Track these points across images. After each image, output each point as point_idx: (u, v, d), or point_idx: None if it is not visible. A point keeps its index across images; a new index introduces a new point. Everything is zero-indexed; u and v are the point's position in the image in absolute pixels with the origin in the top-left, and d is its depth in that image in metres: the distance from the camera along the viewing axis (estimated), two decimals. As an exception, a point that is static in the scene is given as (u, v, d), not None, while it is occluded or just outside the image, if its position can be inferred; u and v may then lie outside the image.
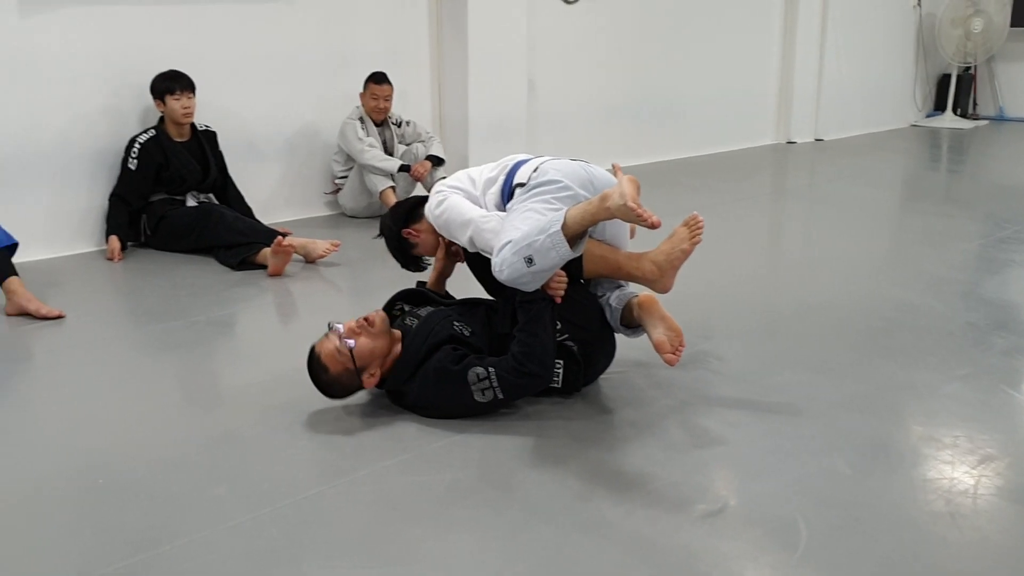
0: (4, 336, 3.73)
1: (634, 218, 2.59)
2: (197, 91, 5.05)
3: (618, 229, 3.02)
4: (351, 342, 2.77)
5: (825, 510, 2.31)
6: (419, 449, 2.64)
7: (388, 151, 5.83)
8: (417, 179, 5.75)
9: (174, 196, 5.08)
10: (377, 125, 5.81)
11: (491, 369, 2.73)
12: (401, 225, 3.23)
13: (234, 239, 4.74)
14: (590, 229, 2.77)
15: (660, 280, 2.98)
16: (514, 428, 2.76)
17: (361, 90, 5.78)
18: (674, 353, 2.89)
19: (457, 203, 3.02)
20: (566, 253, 2.64)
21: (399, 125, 5.94)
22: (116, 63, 5.02)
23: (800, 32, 9.13)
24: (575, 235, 2.65)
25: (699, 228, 2.95)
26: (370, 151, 5.64)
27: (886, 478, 2.49)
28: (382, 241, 3.33)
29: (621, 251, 3.03)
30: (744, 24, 8.79)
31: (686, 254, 2.96)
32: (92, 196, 5.03)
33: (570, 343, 2.90)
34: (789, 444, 2.67)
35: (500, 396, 2.75)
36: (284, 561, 2.11)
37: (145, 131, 5.01)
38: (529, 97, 6.84)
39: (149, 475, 2.51)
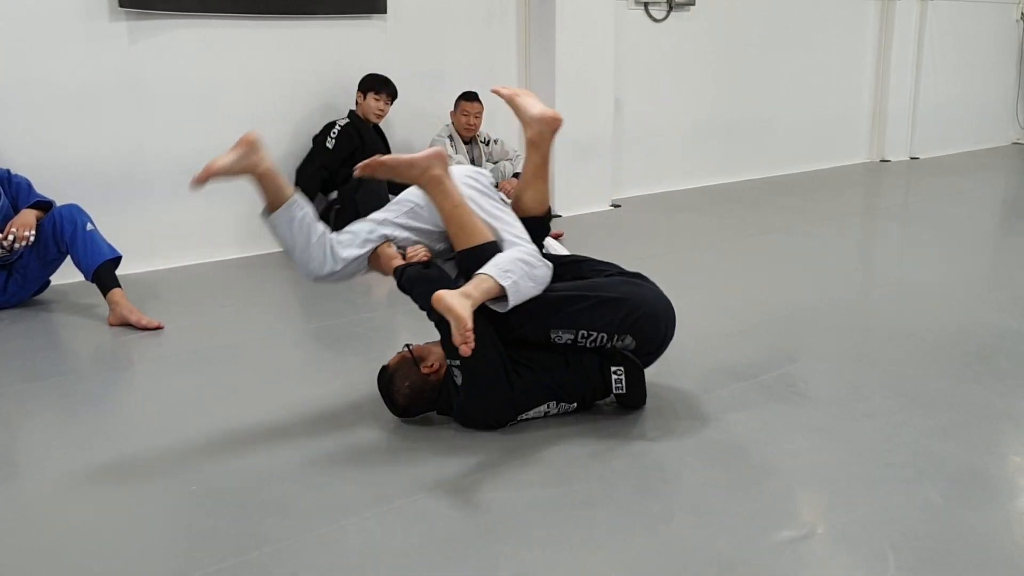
0: (106, 346, 3.89)
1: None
2: (290, 108, 5.21)
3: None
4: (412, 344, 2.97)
5: (915, 541, 2.24)
6: (498, 467, 2.66)
7: (476, 168, 5.90)
8: (504, 196, 5.79)
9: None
10: (466, 143, 5.89)
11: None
12: None
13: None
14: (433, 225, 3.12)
15: (546, 131, 3.18)
16: (594, 448, 2.76)
17: (452, 108, 5.87)
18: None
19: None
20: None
21: (487, 143, 6.02)
22: (215, 83, 5.20)
23: (895, 47, 8.93)
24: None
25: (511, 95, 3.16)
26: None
27: (980, 510, 2.41)
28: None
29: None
30: (836, 40, 8.63)
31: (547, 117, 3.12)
32: (189, 211, 5.20)
33: (625, 351, 2.89)
34: (878, 471, 2.61)
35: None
36: (366, 572, 2.15)
37: (342, 118, 5.42)
38: (616, 115, 6.84)
39: (240, 483, 2.59)
